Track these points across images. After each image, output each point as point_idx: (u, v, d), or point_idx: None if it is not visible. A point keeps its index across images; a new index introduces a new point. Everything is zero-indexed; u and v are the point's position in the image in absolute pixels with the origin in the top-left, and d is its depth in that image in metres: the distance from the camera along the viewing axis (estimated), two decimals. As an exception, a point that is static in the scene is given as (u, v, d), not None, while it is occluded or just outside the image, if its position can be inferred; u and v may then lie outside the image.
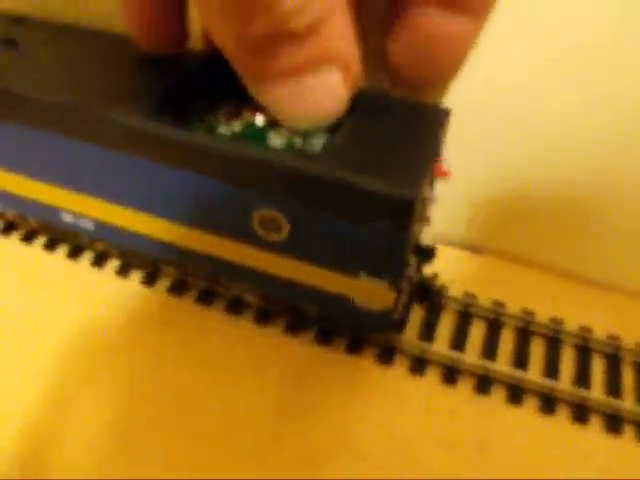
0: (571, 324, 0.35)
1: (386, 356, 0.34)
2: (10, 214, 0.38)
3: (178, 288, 0.36)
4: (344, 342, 0.34)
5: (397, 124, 0.27)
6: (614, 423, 0.32)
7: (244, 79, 0.22)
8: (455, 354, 0.33)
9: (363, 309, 0.28)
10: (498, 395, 0.33)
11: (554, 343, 0.35)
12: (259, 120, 0.28)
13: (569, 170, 0.35)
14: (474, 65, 0.31)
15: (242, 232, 0.28)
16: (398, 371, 0.33)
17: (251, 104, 0.27)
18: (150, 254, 0.34)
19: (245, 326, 0.35)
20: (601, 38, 0.31)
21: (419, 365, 0.33)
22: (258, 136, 0.27)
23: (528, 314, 0.36)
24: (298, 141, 0.27)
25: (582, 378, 0.33)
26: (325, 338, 0.34)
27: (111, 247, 0.37)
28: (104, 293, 0.36)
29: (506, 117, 0.35)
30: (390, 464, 0.30)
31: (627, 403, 0.32)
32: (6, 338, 0.34)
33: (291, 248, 0.28)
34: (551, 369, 0.34)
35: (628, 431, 0.32)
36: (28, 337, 0.34)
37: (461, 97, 0.29)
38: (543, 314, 0.36)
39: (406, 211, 0.24)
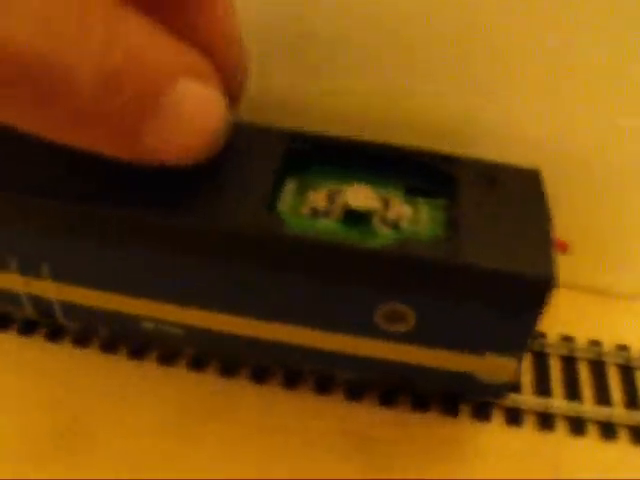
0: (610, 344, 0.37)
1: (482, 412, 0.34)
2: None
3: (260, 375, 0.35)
4: (409, 401, 0.34)
5: (498, 193, 0.27)
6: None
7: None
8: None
9: (485, 382, 0.29)
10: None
11: (597, 366, 0.36)
12: (357, 205, 0.26)
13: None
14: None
15: (363, 327, 0.27)
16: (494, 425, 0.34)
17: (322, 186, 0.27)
18: (253, 355, 0.32)
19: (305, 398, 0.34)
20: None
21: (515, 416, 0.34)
22: (361, 223, 0.26)
23: (568, 340, 0.37)
24: (406, 226, 0.27)
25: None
26: (390, 400, 0.34)
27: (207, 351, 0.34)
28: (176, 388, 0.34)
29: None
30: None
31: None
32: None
33: (416, 336, 0.27)
34: (602, 395, 0.35)
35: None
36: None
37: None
38: (583, 338, 0.37)
39: (544, 291, 0.24)
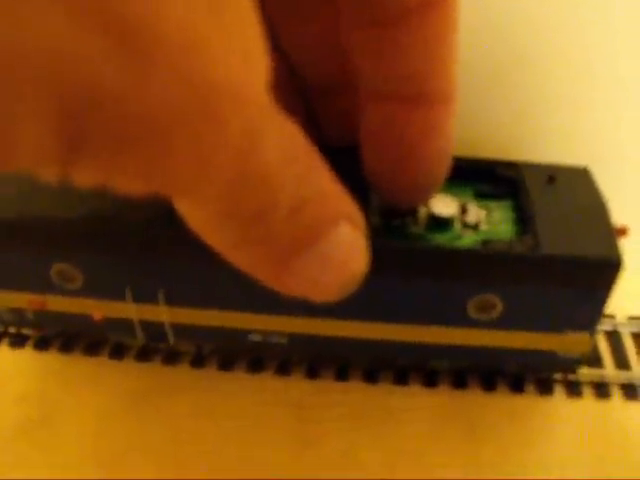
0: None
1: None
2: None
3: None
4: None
5: (557, 191, 0.31)
6: None
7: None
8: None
9: (564, 357, 0.32)
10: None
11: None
12: (440, 212, 0.30)
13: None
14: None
15: (454, 318, 0.31)
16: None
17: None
18: (345, 354, 0.35)
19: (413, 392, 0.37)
20: None
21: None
22: (445, 228, 0.30)
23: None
24: (484, 226, 0.30)
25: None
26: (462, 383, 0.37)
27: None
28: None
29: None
30: None
31: None
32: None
33: (504, 322, 0.31)
34: None
35: None
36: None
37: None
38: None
39: (614, 272, 0.28)
